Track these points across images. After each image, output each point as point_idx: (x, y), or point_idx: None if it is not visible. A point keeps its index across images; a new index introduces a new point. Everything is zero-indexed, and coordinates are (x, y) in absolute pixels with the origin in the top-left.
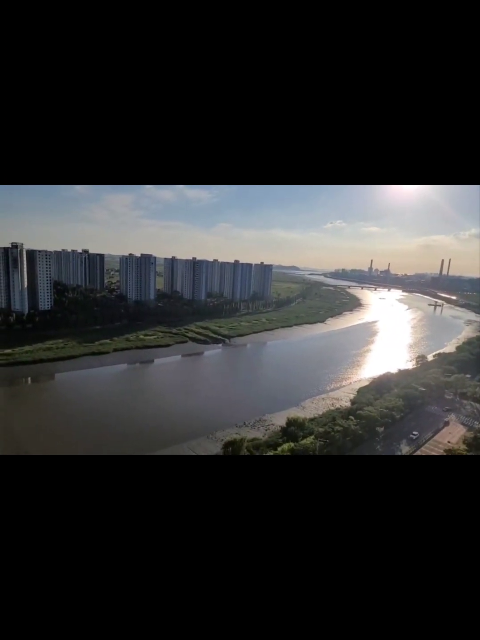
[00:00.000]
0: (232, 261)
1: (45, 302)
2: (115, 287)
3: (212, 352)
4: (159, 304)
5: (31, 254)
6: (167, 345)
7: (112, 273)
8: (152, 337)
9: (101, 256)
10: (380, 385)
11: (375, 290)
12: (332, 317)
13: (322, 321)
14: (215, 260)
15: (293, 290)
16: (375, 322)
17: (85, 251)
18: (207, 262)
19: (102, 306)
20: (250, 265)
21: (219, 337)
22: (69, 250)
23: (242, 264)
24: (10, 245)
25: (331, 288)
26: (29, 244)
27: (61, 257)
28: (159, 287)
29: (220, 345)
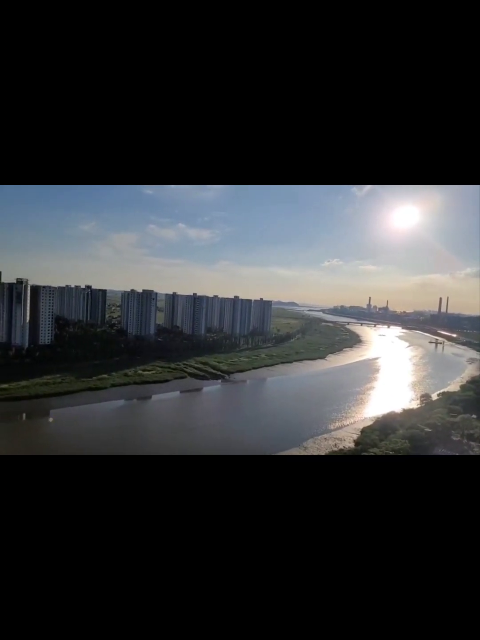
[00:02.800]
0: (232, 297)
1: (45, 336)
2: (116, 322)
3: (211, 388)
4: (159, 339)
5: (35, 289)
6: (165, 381)
7: (113, 308)
8: (150, 372)
9: (103, 291)
10: (385, 425)
11: (374, 327)
12: (332, 353)
13: (323, 357)
14: (215, 296)
15: (292, 326)
16: (377, 359)
17: (88, 287)
18: (207, 297)
19: (102, 341)
20: (249, 301)
21: (218, 372)
22: (73, 285)
23: (242, 299)
24: (15, 281)
25: (330, 324)
26: (34, 280)
27: (65, 292)
28: (159, 322)
29: (219, 380)
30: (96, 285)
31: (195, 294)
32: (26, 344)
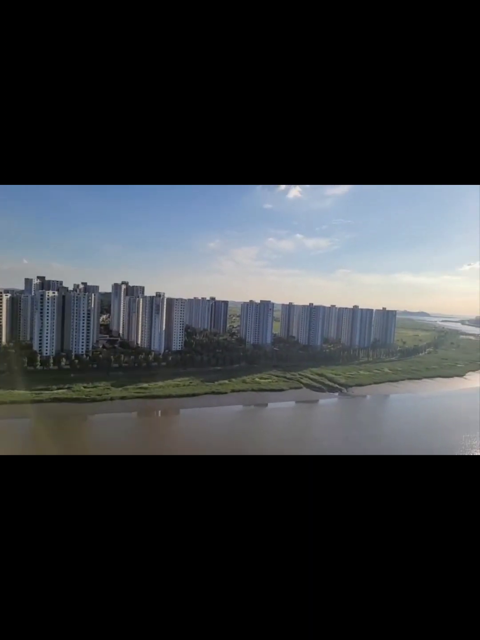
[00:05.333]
0: (351, 307)
1: (177, 343)
2: (236, 331)
3: (328, 400)
4: (275, 348)
5: (170, 301)
6: (281, 390)
7: (234, 318)
8: (267, 381)
9: (225, 303)
10: None
11: None
12: (474, 371)
13: (461, 375)
14: (333, 306)
15: (421, 339)
16: None
17: (212, 298)
18: (323, 307)
19: (224, 348)
20: (370, 310)
21: (336, 385)
22: (199, 297)
23: (362, 309)
24: (155, 294)
25: (471, 337)
26: (169, 293)
27: (192, 304)
28: (275, 331)
29: (336, 394)
30: (219, 297)
31: (311, 304)
32: (162, 349)
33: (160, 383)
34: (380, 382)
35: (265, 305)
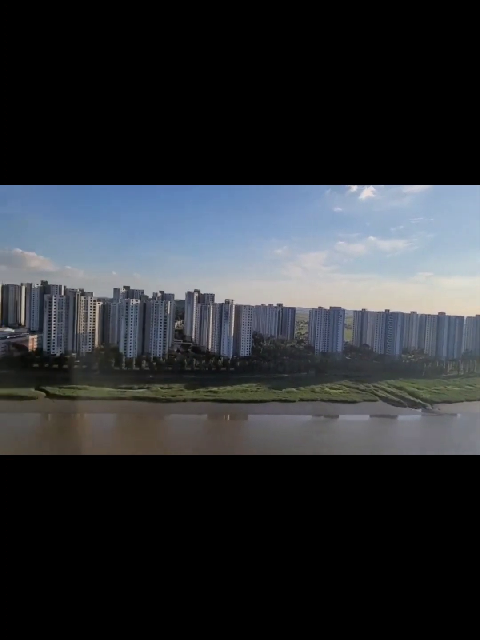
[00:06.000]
0: (436, 313)
1: (245, 349)
2: (304, 338)
3: (408, 417)
4: (346, 357)
5: (238, 308)
6: (354, 402)
7: (301, 325)
8: (337, 391)
9: (293, 309)
10: None
11: None
12: None
13: None
14: (413, 312)
15: None
16: None
17: (280, 305)
18: (402, 314)
19: (291, 356)
20: (460, 317)
21: (418, 400)
22: (266, 304)
23: (449, 316)
24: (224, 302)
25: None
26: (237, 300)
27: (260, 310)
28: (347, 339)
29: (419, 410)
30: (286, 303)
31: (387, 310)
32: (230, 355)
33: (228, 388)
34: (474, 400)
35: (336, 312)
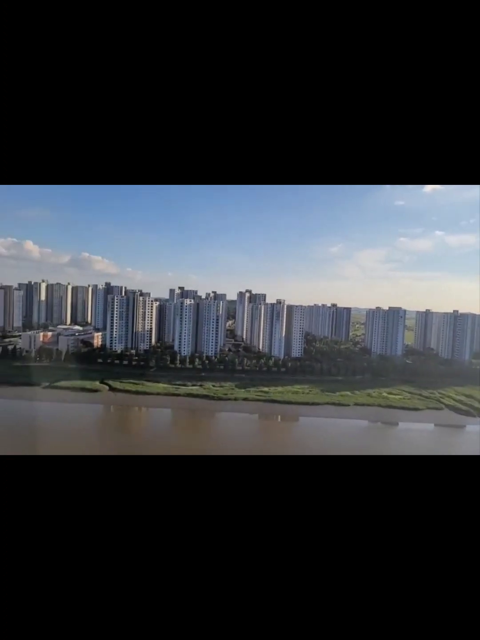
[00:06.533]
0: None
1: (297, 350)
2: (360, 340)
3: (478, 428)
4: (407, 361)
5: (290, 308)
6: (416, 410)
7: (357, 326)
8: (397, 397)
9: (348, 310)
10: None
11: None
12: None
13: None
14: None
15: None
16: None
17: (334, 305)
18: (473, 315)
19: (345, 358)
20: None
21: None
22: (320, 304)
23: None
24: (275, 302)
25: None
26: (289, 300)
27: (312, 311)
28: (408, 342)
29: None
30: (341, 303)
31: (456, 311)
32: (282, 356)
33: (279, 388)
34: None
35: (395, 312)
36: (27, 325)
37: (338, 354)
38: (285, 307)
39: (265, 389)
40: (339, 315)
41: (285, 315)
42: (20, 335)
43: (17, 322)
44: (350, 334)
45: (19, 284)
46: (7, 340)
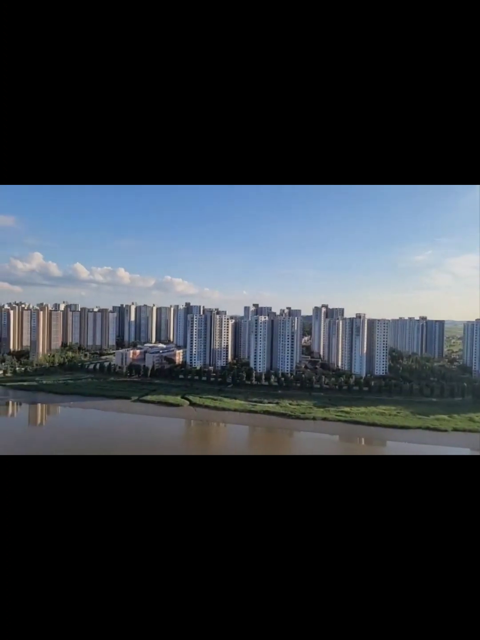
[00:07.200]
0: None
1: (380, 367)
2: (457, 357)
3: None
4: None
5: (371, 322)
6: None
7: (453, 341)
8: None
9: (441, 323)
10: None
11: None
12: None
13: None
14: None
15: None
16: None
17: (423, 318)
18: None
19: (440, 377)
20: None
21: None
22: (406, 317)
23: None
24: (355, 316)
25: None
26: (371, 314)
27: (397, 324)
28: None
29: None
30: (431, 316)
31: None
32: (363, 373)
33: (362, 409)
34: None
35: None
36: (120, 343)
37: (430, 372)
38: (365, 320)
39: (347, 409)
40: (430, 329)
41: (365, 330)
42: (114, 353)
43: (112, 340)
44: (445, 349)
45: (113, 307)
46: (103, 357)
